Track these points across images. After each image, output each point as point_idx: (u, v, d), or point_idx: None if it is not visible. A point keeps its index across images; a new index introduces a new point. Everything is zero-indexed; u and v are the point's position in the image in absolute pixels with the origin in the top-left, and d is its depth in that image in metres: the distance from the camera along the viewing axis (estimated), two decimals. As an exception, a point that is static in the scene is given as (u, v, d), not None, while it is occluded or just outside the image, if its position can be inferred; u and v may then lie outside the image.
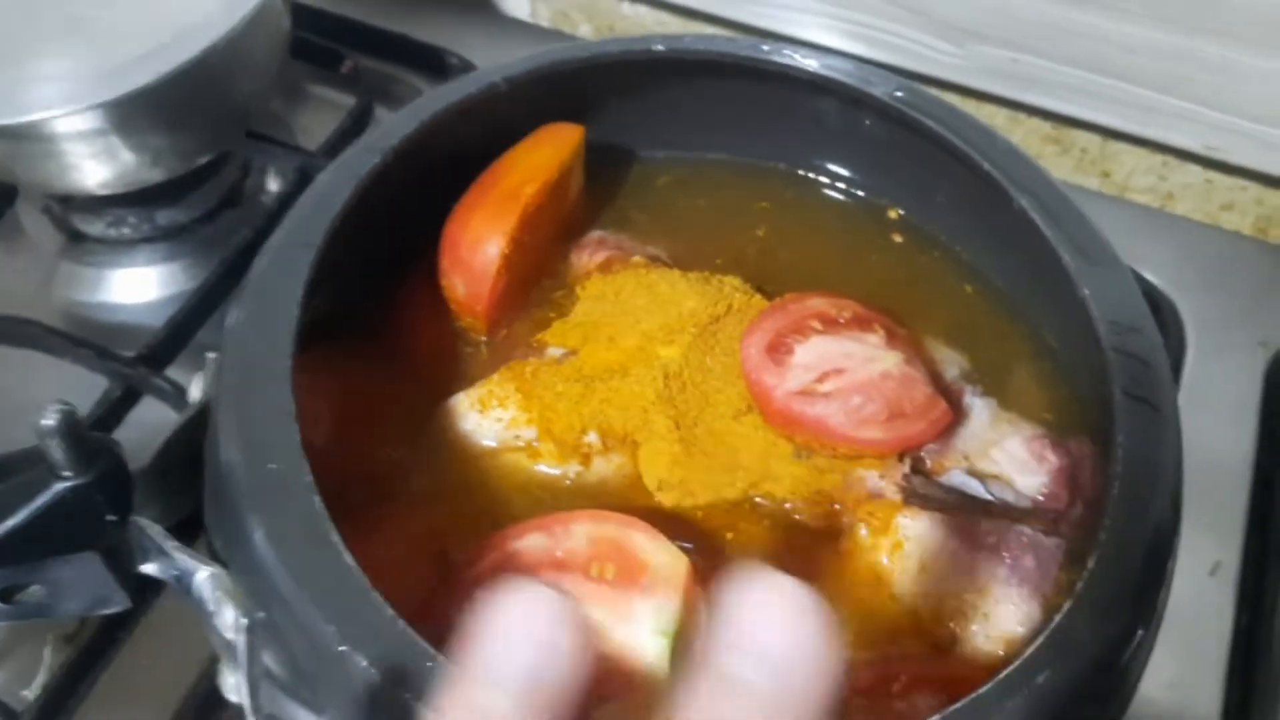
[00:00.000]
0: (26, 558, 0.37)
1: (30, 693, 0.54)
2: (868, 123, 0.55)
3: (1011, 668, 0.34)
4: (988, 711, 0.33)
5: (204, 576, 0.37)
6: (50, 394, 0.64)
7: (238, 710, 0.41)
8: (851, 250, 0.57)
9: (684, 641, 0.42)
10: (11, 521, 0.36)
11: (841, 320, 0.49)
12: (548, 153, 0.52)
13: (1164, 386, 0.41)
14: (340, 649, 0.34)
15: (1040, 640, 0.34)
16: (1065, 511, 0.47)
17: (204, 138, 0.69)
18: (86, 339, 0.63)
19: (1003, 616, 0.44)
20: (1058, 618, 0.35)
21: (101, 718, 0.54)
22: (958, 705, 0.33)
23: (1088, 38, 0.76)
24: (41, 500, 0.36)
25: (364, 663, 0.33)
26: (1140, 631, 0.37)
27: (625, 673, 0.41)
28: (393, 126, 0.48)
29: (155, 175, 0.68)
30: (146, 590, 0.44)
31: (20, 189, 0.73)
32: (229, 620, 0.36)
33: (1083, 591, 0.35)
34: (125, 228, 0.73)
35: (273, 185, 0.77)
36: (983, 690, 0.33)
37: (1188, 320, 0.74)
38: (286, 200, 0.71)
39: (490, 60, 0.80)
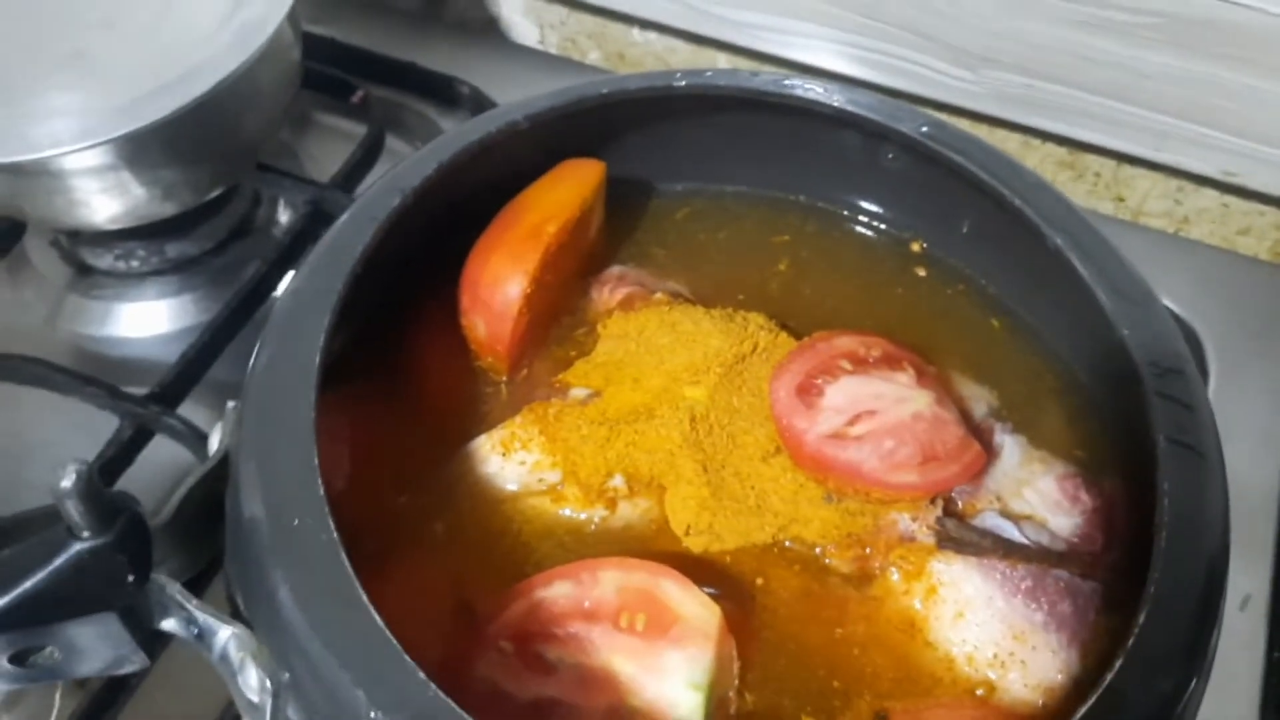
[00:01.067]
0: (41, 620, 0.36)
1: (41, 741, 0.53)
2: (891, 156, 0.54)
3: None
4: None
5: (227, 636, 0.36)
6: (61, 434, 0.65)
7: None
8: (875, 284, 0.57)
9: (717, 694, 0.41)
10: (28, 583, 0.35)
11: (871, 359, 0.48)
12: (569, 190, 0.51)
13: (1208, 431, 0.40)
14: (372, 714, 0.33)
15: (1092, 701, 0.33)
16: (1101, 554, 0.46)
17: (216, 171, 0.68)
18: (95, 376, 0.62)
19: (1041, 664, 0.43)
20: (1109, 675, 0.34)
21: (114, 767, 0.53)
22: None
23: (1103, 63, 0.75)
24: (59, 561, 0.35)
25: (395, 729, 0.32)
26: (1193, 684, 0.36)
27: (658, 728, 0.40)
28: (412, 167, 0.47)
29: (165, 209, 0.67)
30: (160, 641, 0.42)
31: (29, 224, 0.72)
32: (254, 681, 0.35)
33: (1133, 648, 0.34)
34: (134, 260, 0.72)
35: (283, 216, 0.76)
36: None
37: (1208, 346, 0.73)
38: (299, 233, 0.70)
39: (500, 88, 0.80)
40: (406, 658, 0.34)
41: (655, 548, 0.46)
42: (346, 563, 0.35)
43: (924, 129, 0.49)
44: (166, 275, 0.73)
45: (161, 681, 0.55)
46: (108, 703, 0.54)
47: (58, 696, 0.55)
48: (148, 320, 0.72)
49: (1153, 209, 0.84)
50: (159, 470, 0.62)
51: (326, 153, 0.80)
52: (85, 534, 0.35)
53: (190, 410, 0.62)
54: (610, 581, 0.42)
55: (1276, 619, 0.60)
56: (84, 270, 0.73)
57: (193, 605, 0.36)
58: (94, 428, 0.62)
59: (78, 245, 0.73)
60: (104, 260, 0.72)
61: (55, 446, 0.63)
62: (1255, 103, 0.73)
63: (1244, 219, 0.82)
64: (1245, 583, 0.61)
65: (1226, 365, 0.72)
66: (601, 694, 0.41)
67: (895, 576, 0.46)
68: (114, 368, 0.69)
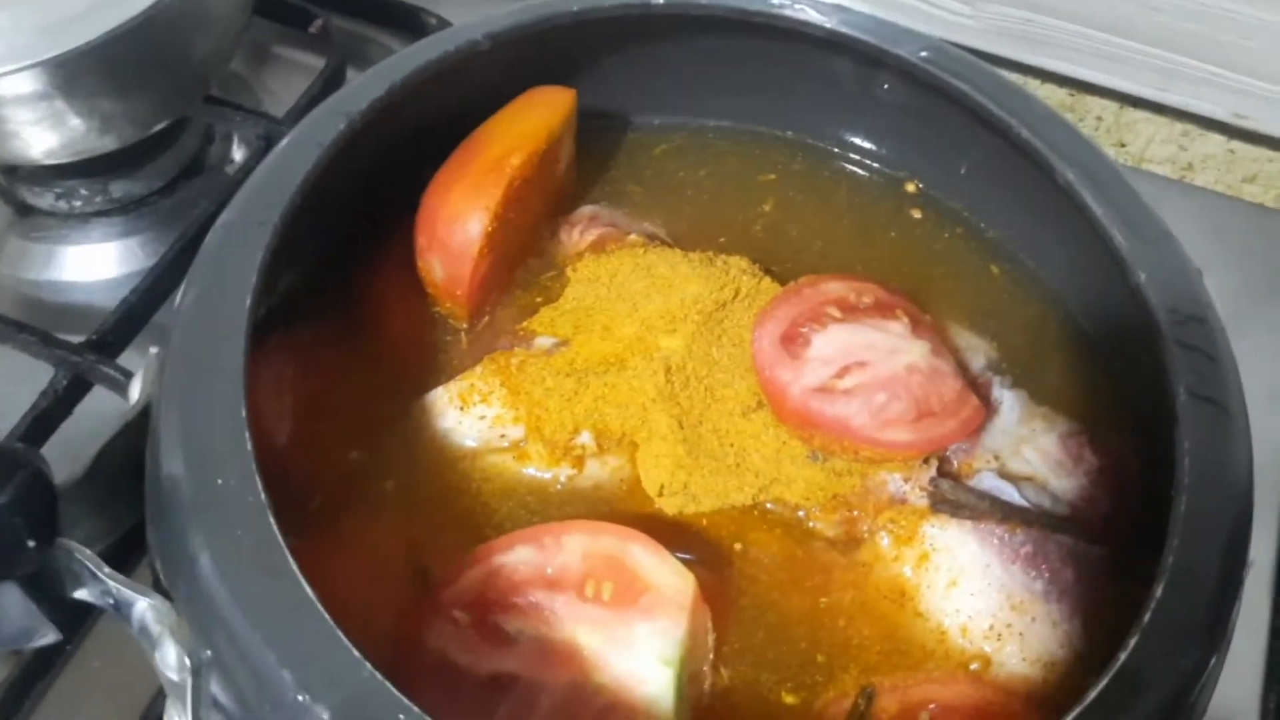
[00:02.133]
0: (-62, 586, 0.32)
1: (-30, 710, 0.50)
2: (886, 86, 0.50)
3: (1076, 713, 0.29)
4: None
5: (144, 607, 0.32)
6: (-3, 385, 0.61)
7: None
8: (866, 227, 0.53)
9: (689, 669, 0.38)
10: (-86, 548, 0.31)
11: (862, 306, 0.44)
12: (535, 119, 0.47)
13: (1232, 385, 0.37)
14: (299, 697, 0.29)
15: (1106, 680, 0.30)
16: (1107, 518, 0.43)
17: (159, 101, 0.63)
18: (27, 323, 0.57)
19: (1041, 636, 0.40)
20: (1124, 651, 0.31)
21: (48, 740, 0.50)
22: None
23: (1107, -5, 0.71)
24: (-52, 524, 0.31)
25: (324, 714, 0.29)
26: (1214, 660, 0.33)
27: (626, 706, 0.36)
28: (360, 89, 0.42)
29: (106, 143, 0.62)
30: (84, 612, 0.39)
31: (-41, 159, 0.67)
32: (172, 659, 0.32)
33: (1151, 621, 0.31)
34: (77, 200, 0.67)
35: (237, 154, 0.72)
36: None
37: (1212, 297, 0.69)
38: (252, 170, 0.65)
39: (469, 19, 0.76)
40: (339, 633, 0.30)
41: (626, 510, 0.43)
42: (275, 528, 0.32)
43: (923, 53, 0.45)
44: (112, 216, 0.68)
45: (98, 650, 0.51)
46: (40, 670, 0.50)
47: (-14, 669, 0.52)
48: (92, 264, 0.67)
49: (1156, 155, 0.81)
50: (102, 424, 0.58)
51: (283, 86, 0.75)
52: (-23, 494, 0.31)
53: (133, 360, 0.58)
54: (575, 546, 0.39)
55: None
56: (24, 210, 0.68)
57: (104, 573, 0.33)
58: (34, 378, 0.58)
59: (16, 183, 0.68)
60: (45, 200, 0.68)
61: (-12, 398, 0.59)
62: (1269, 39, 0.69)
63: (1250, 165, 0.79)
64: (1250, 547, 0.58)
65: (1231, 317, 0.68)
66: (564, 669, 0.37)
67: (885, 541, 0.42)
68: (57, 314, 0.65)
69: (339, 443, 0.44)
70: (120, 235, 0.68)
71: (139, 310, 0.60)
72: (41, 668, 0.50)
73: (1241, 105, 0.73)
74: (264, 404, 0.43)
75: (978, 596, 0.41)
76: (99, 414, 0.58)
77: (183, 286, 0.38)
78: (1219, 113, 0.75)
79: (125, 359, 0.58)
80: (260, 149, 0.66)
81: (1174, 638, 0.32)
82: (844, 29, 0.46)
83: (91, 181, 0.67)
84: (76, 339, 0.58)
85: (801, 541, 0.43)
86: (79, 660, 0.51)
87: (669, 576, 0.38)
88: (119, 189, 0.68)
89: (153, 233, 0.68)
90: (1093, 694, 0.30)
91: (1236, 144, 0.78)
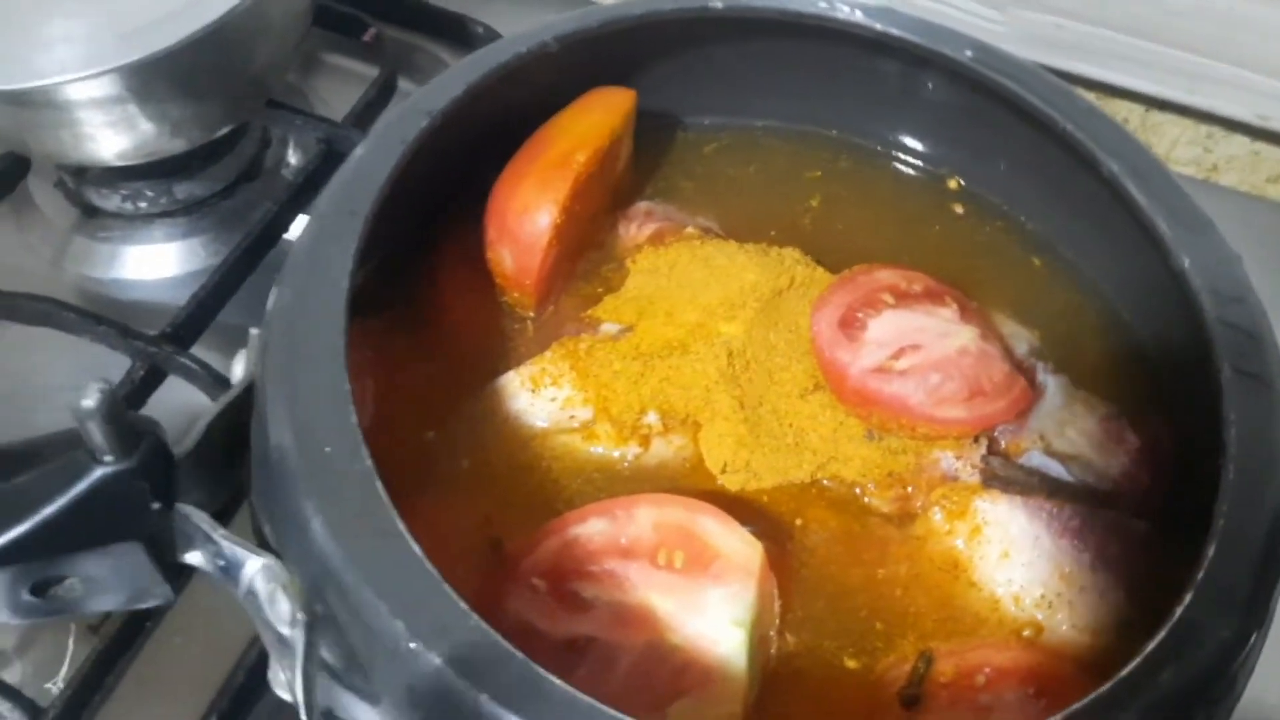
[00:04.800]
0: (62, 549, 0.35)
1: (55, 686, 0.52)
2: (930, 85, 0.52)
3: (1128, 670, 0.31)
4: (1105, 715, 0.31)
5: (256, 567, 0.35)
6: (70, 376, 0.63)
7: (281, 705, 0.38)
8: (910, 221, 0.55)
9: (758, 632, 0.40)
10: (48, 510, 0.33)
11: (913, 293, 0.46)
12: (599, 118, 0.49)
13: (1274, 360, 0.38)
14: (411, 645, 0.31)
15: (1159, 639, 0.32)
16: (1149, 494, 0.45)
17: (225, 106, 0.66)
18: (107, 316, 0.60)
19: (1089, 605, 0.42)
20: (1177, 611, 0.33)
21: (130, 713, 0.52)
22: (1070, 711, 0.31)
23: (1134, 0, 0.73)
24: (80, 487, 0.33)
25: (437, 660, 0.31)
26: (1256, 633, 0.34)
27: (700, 666, 0.39)
28: (440, 88, 0.45)
29: (174, 146, 0.65)
30: (182, 576, 0.41)
31: (33, 160, 0.70)
32: (284, 614, 0.34)
33: (1203, 580, 0.33)
34: (142, 201, 0.70)
35: (293, 158, 0.74)
36: (1100, 692, 0.31)
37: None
38: (311, 174, 0.68)
39: (513, 28, 0.78)
40: (447, 586, 0.32)
41: (690, 486, 0.45)
42: (382, 491, 0.34)
43: (969, 53, 0.47)
44: (174, 217, 0.71)
45: (178, 625, 0.53)
46: (124, 647, 0.52)
47: (71, 642, 0.54)
48: (155, 263, 0.70)
49: (1181, 156, 0.83)
50: (173, 414, 0.60)
51: (336, 95, 0.78)
52: (108, 458, 0.33)
53: (201, 352, 0.61)
54: (646, 518, 0.41)
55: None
56: (90, 211, 0.71)
57: (219, 535, 0.35)
58: (104, 370, 0.60)
59: (83, 185, 0.70)
60: (110, 201, 0.70)
61: (65, 391, 0.61)
62: (1293, 43, 0.71)
63: (1275, 166, 0.80)
64: None
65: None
66: (639, 631, 0.39)
67: (938, 516, 0.44)
68: (121, 311, 0.67)
69: (415, 424, 0.46)
70: (182, 235, 0.71)
71: (208, 306, 0.62)
72: (123, 645, 0.52)
73: (1266, 107, 0.75)
74: (347, 387, 0.45)
75: (1029, 567, 0.43)
76: (169, 405, 0.61)
77: (281, 273, 0.40)
78: (1243, 114, 0.76)
79: (196, 351, 0.61)
80: (319, 153, 0.69)
81: (1225, 596, 0.33)
82: (893, 30, 0.48)
83: (156, 183, 0.70)
84: (149, 332, 0.60)
85: (858, 516, 0.45)
86: (158, 638, 0.54)
87: (737, 544, 0.40)
88: (182, 191, 0.70)
89: (213, 233, 0.71)
90: (1146, 651, 0.32)
91: (1261, 145, 0.80)
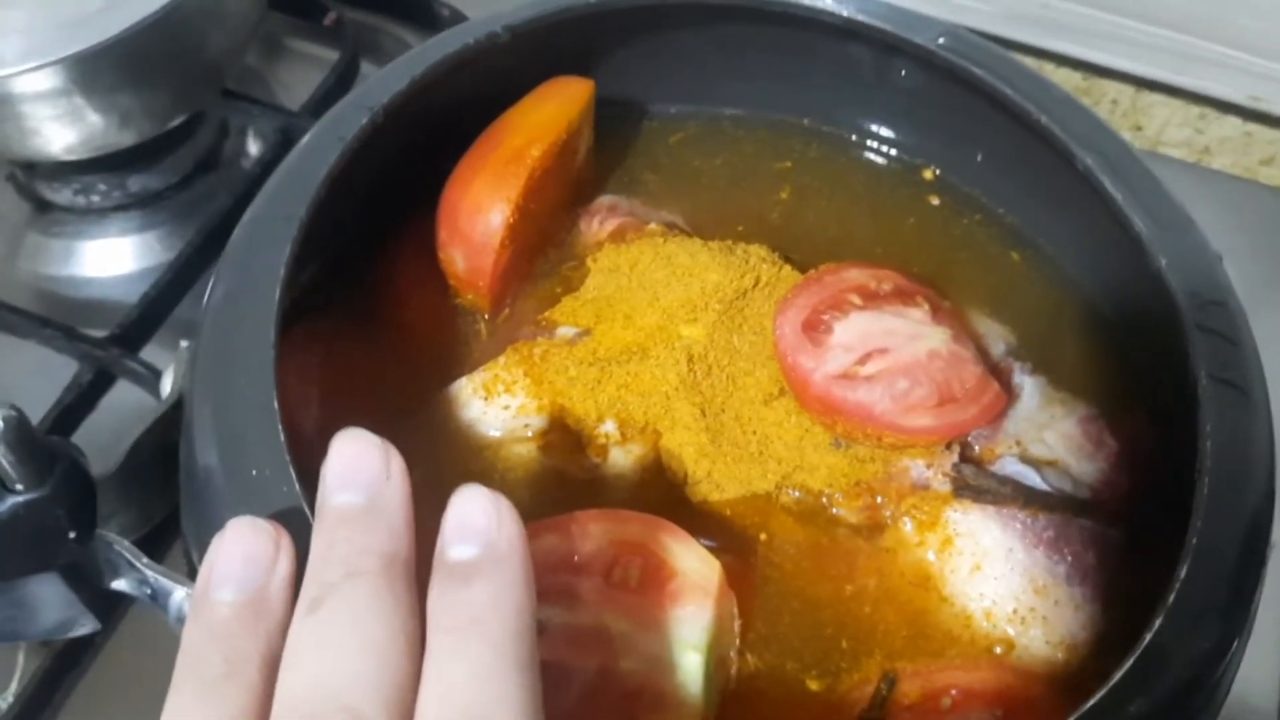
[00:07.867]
0: (-23, 579, 0.33)
1: (3, 700, 0.51)
2: (903, 73, 0.50)
3: (1100, 694, 0.30)
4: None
5: (181, 597, 0.33)
6: (18, 379, 0.61)
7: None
8: (884, 214, 0.53)
9: (717, 655, 0.38)
10: (-43, 541, 0.32)
11: (882, 294, 0.44)
12: (554, 110, 0.47)
13: (1253, 368, 0.37)
14: (336, 685, 0.29)
15: (1131, 661, 0.30)
16: (1126, 501, 0.43)
17: (177, 96, 0.63)
18: (52, 319, 0.58)
19: (1064, 619, 0.40)
20: (1148, 633, 0.31)
21: (81, 728, 0.50)
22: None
23: (1122, -20, 0.71)
24: (-9, 517, 0.31)
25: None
26: (1236, 642, 0.33)
27: (655, 690, 0.37)
28: (383, 82, 0.43)
29: (125, 138, 0.62)
30: (120, 600, 0.39)
31: (-21, 156, 0.67)
32: (210, 647, 0.32)
33: (1176, 601, 0.31)
34: (95, 195, 0.68)
35: (253, 148, 0.72)
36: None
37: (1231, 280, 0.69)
38: (269, 164, 0.66)
39: (481, 10, 0.75)
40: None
41: (650, 497, 0.43)
42: (310, 517, 0.32)
43: (940, 40, 0.45)
44: (129, 211, 0.68)
45: (128, 639, 0.52)
46: (72, 661, 0.51)
47: (20, 656, 0.52)
48: (111, 259, 0.68)
49: (1172, 138, 0.81)
50: (125, 417, 0.58)
51: (297, 80, 0.75)
52: (18, 486, 0.31)
53: (155, 354, 0.59)
54: (601, 534, 0.39)
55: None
56: (42, 206, 0.69)
57: (143, 564, 0.33)
58: (54, 373, 0.58)
59: (34, 180, 0.68)
60: (63, 195, 0.68)
61: (11, 393, 0.59)
62: (1285, 21, 0.69)
63: (1268, 148, 0.78)
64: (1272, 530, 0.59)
65: (1248, 299, 0.68)
66: (592, 654, 0.37)
67: (908, 527, 0.42)
68: (77, 309, 0.65)
69: (364, 433, 0.44)
70: (138, 230, 0.68)
71: (160, 305, 0.60)
72: (73, 659, 0.51)
73: (1258, 88, 0.73)
74: (290, 396, 0.43)
75: (1001, 581, 0.41)
76: (121, 408, 0.59)
77: (211, 282, 0.38)
78: (1235, 95, 0.74)
79: (147, 353, 0.59)
80: (277, 142, 0.67)
81: (1198, 617, 0.32)
82: (860, 16, 0.46)
83: (109, 177, 0.67)
84: (97, 333, 0.58)
85: (825, 528, 0.43)
86: (109, 651, 0.52)
87: (694, 563, 0.38)
88: (136, 184, 0.68)
89: (170, 227, 0.68)
90: (1119, 673, 0.30)
91: (1253, 126, 0.78)
